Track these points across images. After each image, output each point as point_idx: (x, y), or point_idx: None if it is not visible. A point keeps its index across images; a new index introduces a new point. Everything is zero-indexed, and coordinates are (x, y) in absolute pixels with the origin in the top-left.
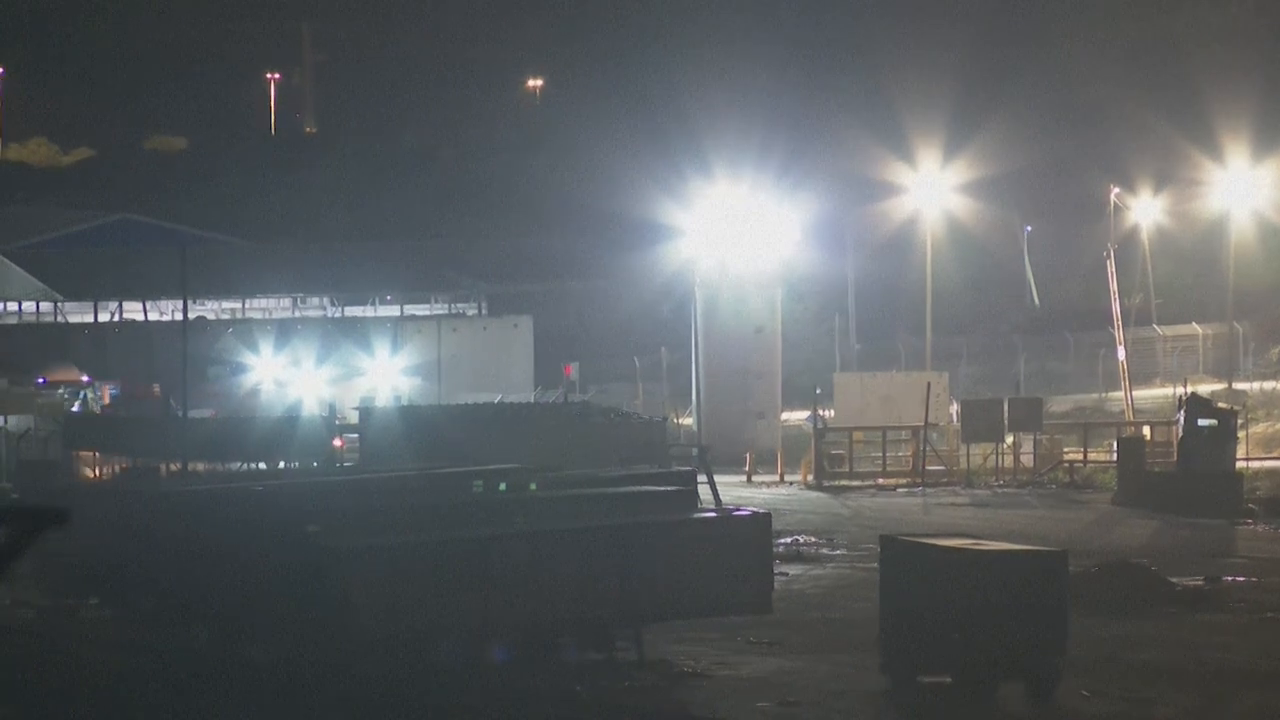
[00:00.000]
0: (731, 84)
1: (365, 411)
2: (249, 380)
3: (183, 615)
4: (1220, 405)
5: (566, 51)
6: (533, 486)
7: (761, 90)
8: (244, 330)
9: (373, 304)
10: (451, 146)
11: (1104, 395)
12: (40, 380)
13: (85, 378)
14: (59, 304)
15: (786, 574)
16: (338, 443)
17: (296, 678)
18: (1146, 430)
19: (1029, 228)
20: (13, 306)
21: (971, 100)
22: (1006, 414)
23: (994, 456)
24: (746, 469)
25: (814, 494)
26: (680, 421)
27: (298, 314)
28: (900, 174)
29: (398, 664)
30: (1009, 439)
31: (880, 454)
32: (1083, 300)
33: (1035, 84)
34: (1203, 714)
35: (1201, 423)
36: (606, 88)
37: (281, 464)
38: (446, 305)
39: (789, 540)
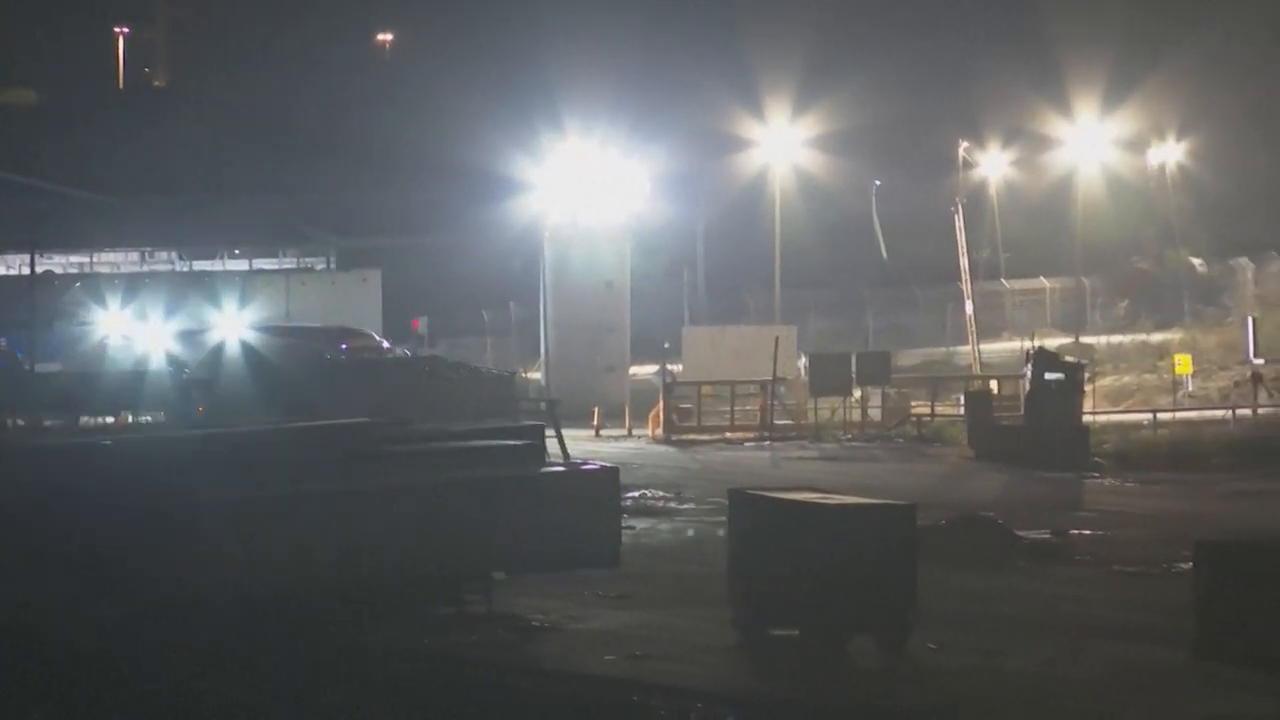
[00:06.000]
0: (584, 37)
1: (210, 366)
2: (96, 333)
3: (43, 573)
4: (1068, 359)
5: (418, 3)
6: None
7: (614, 43)
8: (92, 284)
9: (221, 258)
10: (303, 101)
11: (952, 349)
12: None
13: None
14: None
15: (635, 528)
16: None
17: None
18: (994, 384)
19: (878, 181)
20: None
21: (824, 53)
22: (855, 368)
23: (842, 410)
24: (595, 423)
25: (662, 448)
26: (529, 376)
27: (146, 268)
28: (752, 128)
29: (249, 619)
30: (857, 393)
31: (729, 408)
32: (933, 255)
33: (888, 37)
34: (1054, 665)
35: (1049, 376)
36: (458, 41)
37: (131, 418)
38: (295, 259)
39: (637, 494)
